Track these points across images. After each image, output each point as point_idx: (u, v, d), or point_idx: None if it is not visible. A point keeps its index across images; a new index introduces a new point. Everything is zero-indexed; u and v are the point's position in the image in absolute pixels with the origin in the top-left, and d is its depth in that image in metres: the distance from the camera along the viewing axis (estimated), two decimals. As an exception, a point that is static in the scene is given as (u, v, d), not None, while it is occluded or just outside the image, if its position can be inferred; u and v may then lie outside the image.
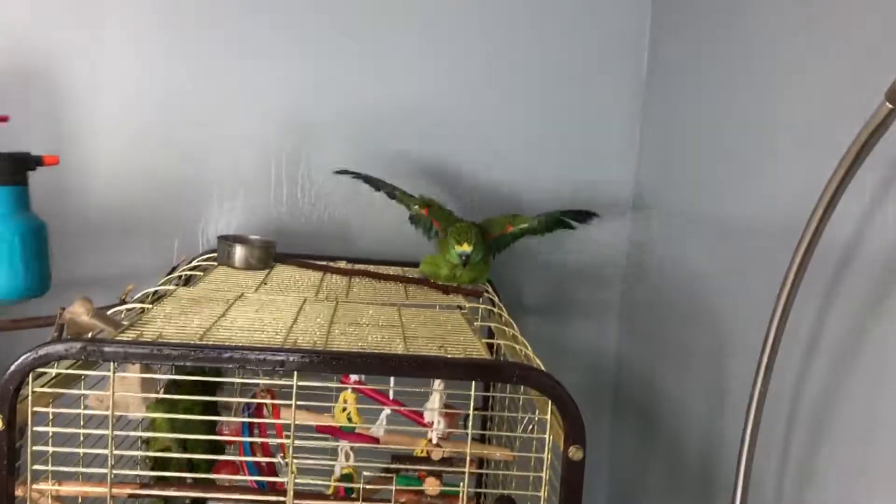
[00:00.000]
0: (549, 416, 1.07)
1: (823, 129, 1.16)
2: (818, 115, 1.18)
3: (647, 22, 1.91)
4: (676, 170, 1.72)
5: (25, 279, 1.22)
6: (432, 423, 1.23)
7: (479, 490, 1.67)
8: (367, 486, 1.17)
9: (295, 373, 1.04)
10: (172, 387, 1.26)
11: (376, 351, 1.09)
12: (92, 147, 1.80)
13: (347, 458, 1.34)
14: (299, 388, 1.12)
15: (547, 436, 1.07)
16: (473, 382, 1.06)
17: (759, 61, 1.38)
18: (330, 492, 1.34)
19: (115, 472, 1.28)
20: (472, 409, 1.08)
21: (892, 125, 0.88)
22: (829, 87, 1.15)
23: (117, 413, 1.14)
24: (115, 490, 1.09)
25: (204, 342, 1.06)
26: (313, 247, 1.86)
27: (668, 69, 1.81)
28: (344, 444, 1.33)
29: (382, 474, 1.29)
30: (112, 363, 1.02)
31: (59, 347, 0.99)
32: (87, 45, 1.80)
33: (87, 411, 1.11)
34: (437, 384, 1.21)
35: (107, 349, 1.00)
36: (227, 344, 1.04)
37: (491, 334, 1.45)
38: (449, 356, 1.08)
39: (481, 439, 1.72)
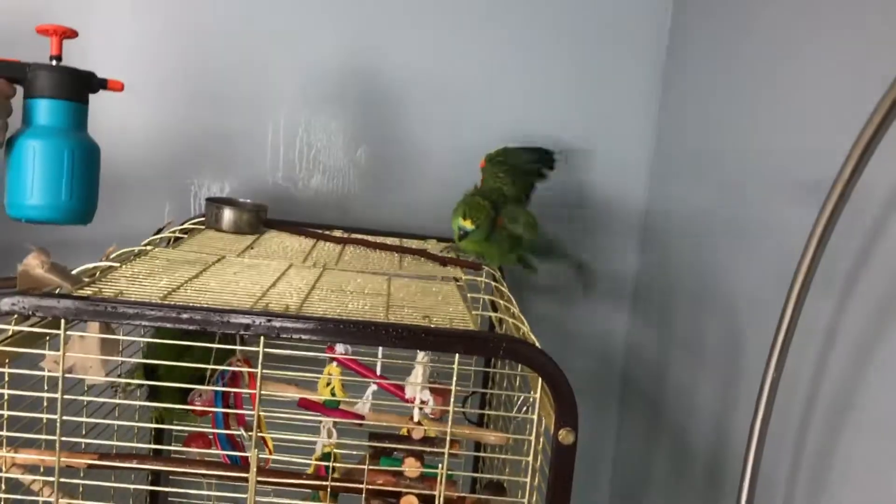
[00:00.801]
0: (538, 395, 0.98)
1: (846, 113, 1.06)
2: (840, 98, 1.09)
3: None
4: (692, 153, 1.62)
5: (70, 201, 1.13)
6: (414, 399, 1.13)
7: (475, 475, 1.59)
8: (340, 466, 1.08)
9: (262, 338, 0.95)
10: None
11: (353, 318, 1.00)
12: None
13: (330, 436, 1.26)
14: (286, 358, 1.04)
15: (535, 416, 0.98)
16: (457, 356, 0.97)
17: (776, 40, 1.28)
18: (310, 471, 1.26)
19: (86, 441, 1.22)
20: (454, 384, 0.98)
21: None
22: (855, 65, 1.06)
23: (76, 377, 1.07)
24: (66, 459, 1.01)
25: (163, 301, 0.97)
26: (309, 215, 1.78)
27: (687, 45, 1.71)
28: (326, 421, 1.24)
29: (367, 454, 1.21)
30: (63, 320, 0.93)
31: (5, 301, 0.91)
32: (79, 6, 1.72)
33: (42, 373, 1.03)
34: (422, 357, 1.12)
35: (57, 305, 0.92)
36: (187, 304, 0.96)
37: (491, 310, 1.36)
38: (431, 326, 0.99)
39: (479, 420, 1.63)
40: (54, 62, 1.16)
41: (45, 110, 1.14)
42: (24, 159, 1.12)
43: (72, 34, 1.18)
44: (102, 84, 1.20)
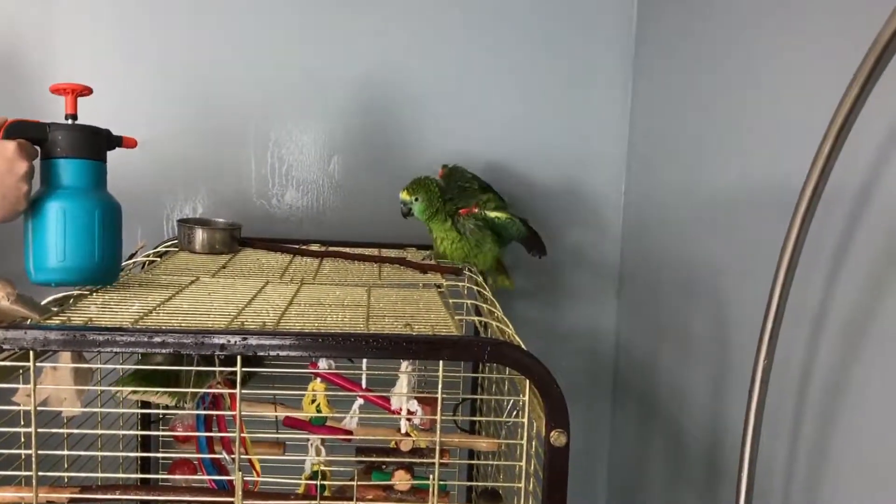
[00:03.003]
0: (527, 397, 0.95)
1: (822, 92, 1.05)
2: (816, 76, 1.08)
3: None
4: (669, 142, 1.60)
5: (101, 262, 1.12)
6: (400, 410, 1.11)
7: (470, 483, 1.56)
8: (330, 483, 1.05)
9: (239, 357, 0.92)
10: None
11: (331, 330, 0.97)
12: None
13: (318, 454, 1.23)
14: (269, 377, 1.01)
15: (525, 419, 0.96)
16: (441, 363, 0.94)
17: (749, 28, 1.27)
18: (300, 490, 1.23)
19: (68, 475, 1.19)
20: (440, 391, 0.95)
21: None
22: (830, 44, 1.04)
23: (52, 409, 1.04)
24: (44, 495, 0.97)
25: (134, 326, 0.94)
26: (286, 231, 1.75)
27: (656, 39, 1.69)
28: (314, 439, 1.21)
29: (357, 469, 1.18)
30: (32, 352, 0.90)
31: (-32, 336, 0.88)
32: (40, 30, 1.70)
33: (15, 407, 1.00)
34: (405, 366, 1.09)
35: (24, 336, 0.88)
36: (159, 328, 0.93)
37: (477, 314, 1.34)
38: (413, 334, 0.97)
39: (471, 427, 1.61)
40: (70, 121, 1.13)
41: (68, 171, 1.11)
42: (50, 223, 1.09)
43: (87, 91, 1.15)
44: (118, 141, 1.18)
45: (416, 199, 1.51)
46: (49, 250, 1.09)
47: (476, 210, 1.53)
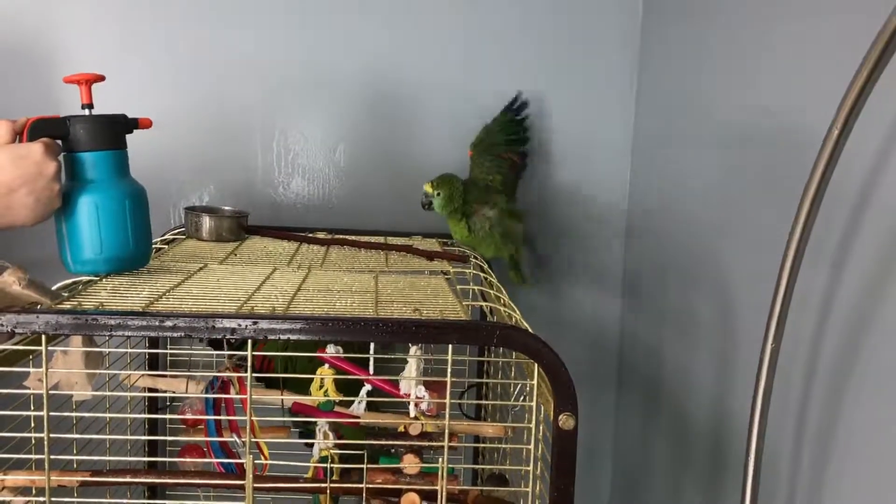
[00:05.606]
0: (535, 381, 0.96)
1: (827, 83, 1.05)
2: (820, 69, 1.08)
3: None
4: (673, 133, 1.61)
5: (136, 248, 1.15)
6: (409, 394, 1.11)
7: (476, 467, 1.58)
8: (338, 467, 1.06)
9: (249, 341, 0.93)
10: None
11: (342, 314, 0.98)
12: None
13: (326, 438, 1.23)
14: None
15: (534, 403, 0.96)
16: (451, 347, 0.95)
17: (755, 21, 1.27)
18: (309, 475, 1.23)
19: (78, 458, 1.19)
20: (449, 375, 0.96)
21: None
22: (834, 36, 1.04)
23: (63, 392, 1.05)
24: (56, 479, 0.98)
25: (146, 310, 0.95)
26: (291, 219, 1.76)
27: (662, 32, 1.69)
28: (322, 424, 1.22)
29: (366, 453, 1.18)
30: (44, 336, 0.91)
31: (-19, 320, 0.88)
32: (44, 22, 1.70)
33: (27, 391, 1.01)
34: (414, 350, 1.10)
35: (36, 320, 0.89)
36: (170, 312, 0.93)
37: (481, 300, 1.35)
38: (422, 318, 0.97)
39: (477, 412, 1.62)
40: (87, 111, 1.14)
41: (94, 164, 1.12)
42: (83, 217, 1.11)
43: (100, 79, 1.16)
44: (135, 124, 1.19)
45: (438, 194, 1.57)
46: (85, 243, 1.11)
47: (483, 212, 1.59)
